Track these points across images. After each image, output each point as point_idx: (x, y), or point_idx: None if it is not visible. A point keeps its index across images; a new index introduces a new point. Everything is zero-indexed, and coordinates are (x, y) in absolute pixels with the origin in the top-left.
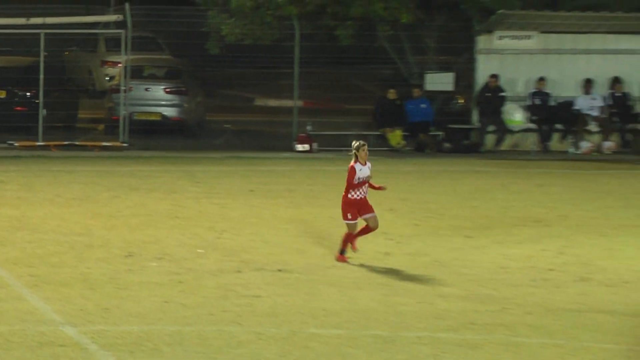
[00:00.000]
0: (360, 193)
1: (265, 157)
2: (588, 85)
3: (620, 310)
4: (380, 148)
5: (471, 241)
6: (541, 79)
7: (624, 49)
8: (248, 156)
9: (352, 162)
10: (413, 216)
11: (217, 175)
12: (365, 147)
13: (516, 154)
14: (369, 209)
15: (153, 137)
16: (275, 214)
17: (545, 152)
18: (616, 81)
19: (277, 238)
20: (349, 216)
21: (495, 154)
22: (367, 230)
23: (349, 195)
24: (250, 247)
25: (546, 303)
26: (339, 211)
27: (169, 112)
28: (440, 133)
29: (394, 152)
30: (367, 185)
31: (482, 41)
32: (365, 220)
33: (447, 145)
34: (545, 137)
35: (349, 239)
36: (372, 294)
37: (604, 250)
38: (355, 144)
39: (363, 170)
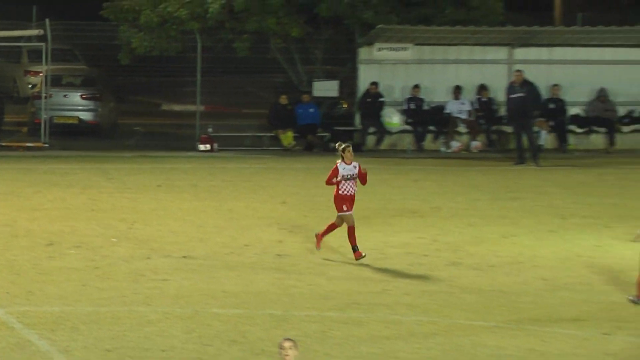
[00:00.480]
0: (349, 190)
1: (171, 156)
2: (457, 91)
3: (486, 291)
4: (274, 148)
5: (364, 226)
6: (416, 86)
7: (489, 59)
8: (156, 155)
9: (337, 162)
10: (303, 208)
11: (128, 173)
12: (350, 148)
13: (394, 153)
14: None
15: (71, 138)
16: (180, 207)
17: (420, 151)
18: (482, 88)
19: (182, 228)
20: (344, 208)
21: (375, 152)
22: (333, 227)
23: (340, 192)
24: (159, 237)
25: (422, 285)
26: (237, 204)
27: (85, 116)
28: (326, 134)
29: (286, 151)
30: (355, 182)
31: (363, 52)
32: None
33: (332, 145)
34: (419, 138)
35: (333, 230)
36: (266, 278)
37: (472, 237)
38: (339, 146)
39: (347, 169)
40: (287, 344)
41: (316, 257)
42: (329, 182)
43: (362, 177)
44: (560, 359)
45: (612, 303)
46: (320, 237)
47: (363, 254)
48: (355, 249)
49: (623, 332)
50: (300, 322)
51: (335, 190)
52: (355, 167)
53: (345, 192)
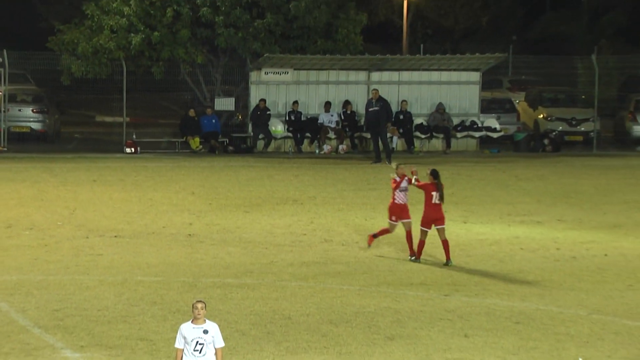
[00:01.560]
0: (402, 200)
1: (103, 157)
2: (327, 106)
3: (352, 262)
4: (184, 150)
5: (248, 215)
6: (295, 102)
7: (351, 81)
8: (91, 156)
9: (394, 176)
10: (207, 197)
11: (69, 170)
12: (402, 165)
13: (278, 154)
14: (408, 215)
15: (24, 143)
16: (111, 197)
17: (298, 153)
18: (347, 103)
19: (113, 214)
20: (393, 218)
21: (264, 154)
22: (385, 231)
23: (395, 201)
24: (94, 220)
25: (301, 258)
26: (156, 194)
27: (35, 125)
28: (225, 140)
29: (194, 153)
30: (407, 193)
31: (253, 75)
32: (403, 223)
33: (230, 148)
34: (298, 142)
35: (382, 232)
36: (180, 252)
37: (340, 220)
38: (394, 165)
39: (403, 183)
40: (199, 305)
41: (218, 236)
42: (395, 192)
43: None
44: (410, 315)
45: (450, 271)
46: (372, 237)
47: (412, 257)
48: (375, 235)
49: (459, 294)
50: (207, 287)
51: (390, 200)
52: (407, 180)
53: (399, 201)
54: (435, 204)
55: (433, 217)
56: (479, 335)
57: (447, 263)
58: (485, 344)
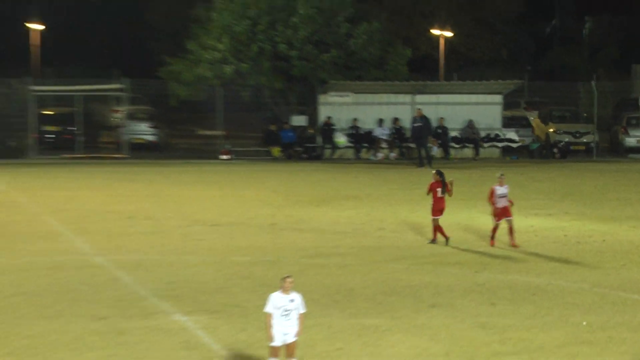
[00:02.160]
0: (502, 203)
1: (203, 163)
2: (380, 122)
3: (401, 246)
4: (267, 157)
5: (318, 208)
6: (355, 119)
7: (399, 102)
8: (194, 162)
9: (494, 186)
10: (286, 194)
11: (177, 173)
12: (504, 176)
13: (341, 161)
14: (509, 214)
15: (141, 152)
16: (210, 194)
17: (357, 159)
18: (396, 119)
19: (212, 207)
20: (496, 219)
21: (329, 160)
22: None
23: (496, 205)
24: (197, 212)
25: (360, 242)
26: (246, 192)
27: (150, 138)
28: (300, 149)
29: (275, 160)
30: (507, 198)
31: (321, 98)
32: (506, 221)
33: (304, 155)
34: (357, 151)
35: (494, 231)
36: (265, 237)
37: (391, 213)
38: (497, 174)
39: (501, 190)
40: (289, 279)
41: (295, 224)
42: (491, 200)
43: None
44: (447, 287)
45: (478, 253)
46: (492, 235)
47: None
48: (492, 237)
49: (486, 271)
50: (286, 265)
51: (493, 206)
52: (506, 187)
53: (499, 205)
54: (439, 197)
55: (439, 207)
56: (502, 304)
57: (435, 242)
58: (508, 311)
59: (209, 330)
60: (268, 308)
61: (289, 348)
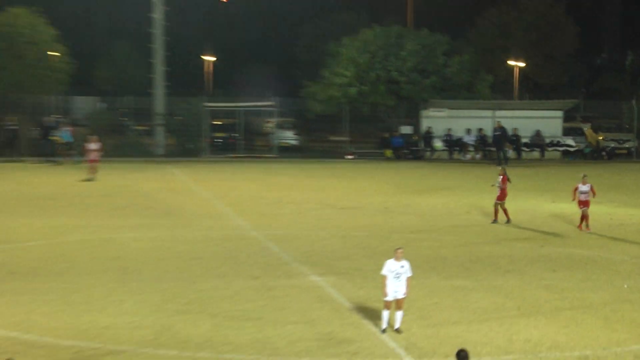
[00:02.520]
0: (584, 197)
1: (333, 161)
2: (468, 131)
3: (484, 225)
4: (381, 157)
5: (420, 196)
6: (449, 129)
7: (483, 116)
8: (326, 161)
9: (577, 184)
10: (396, 185)
11: (313, 169)
12: (586, 177)
13: (438, 160)
14: (587, 206)
15: (287, 153)
16: (337, 184)
17: (451, 160)
18: (480, 129)
19: (339, 194)
20: (581, 206)
21: (430, 161)
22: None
23: (579, 199)
24: (328, 198)
25: (452, 222)
26: (364, 183)
27: (293, 142)
28: (407, 151)
29: (387, 159)
30: (588, 194)
31: (424, 112)
32: (583, 211)
33: (410, 156)
34: (450, 153)
35: (583, 220)
36: (379, 218)
37: (476, 200)
38: (581, 175)
39: (583, 188)
40: (399, 250)
41: (403, 209)
42: (573, 194)
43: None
44: (519, 258)
45: (541, 231)
46: (582, 224)
47: (586, 229)
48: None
49: (549, 245)
50: (396, 239)
51: (576, 200)
52: (589, 186)
53: (582, 198)
54: (504, 187)
55: (504, 194)
56: (561, 271)
57: (496, 221)
58: (566, 276)
59: (336, 287)
60: (384, 271)
61: (399, 302)
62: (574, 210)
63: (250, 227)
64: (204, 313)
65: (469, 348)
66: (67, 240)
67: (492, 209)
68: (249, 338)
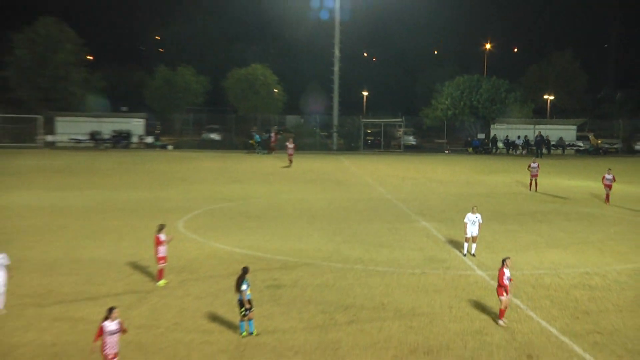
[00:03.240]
0: (607, 183)
1: (437, 154)
2: (518, 137)
3: (531, 194)
4: (467, 153)
5: (489, 175)
6: (507, 135)
7: (527, 128)
8: (432, 154)
9: (604, 174)
10: (473, 169)
11: (425, 159)
12: (611, 170)
13: (500, 154)
14: (610, 189)
15: (409, 149)
16: (439, 167)
17: (507, 154)
18: (526, 136)
19: (443, 171)
20: (606, 188)
21: (495, 154)
22: None
23: (605, 184)
24: (435, 175)
25: (511, 190)
26: (456, 167)
27: (413, 142)
28: (481, 149)
29: (470, 154)
30: (610, 181)
31: (492, 126)
32: (607, 191)
33: (483, 152)
34: (507, 150)
35: (607, 196)
36: (462, 190)
37: (522, 178)
38: (607, 168)
39: (608, 176)
40: (475, 207)
41: (479, 182)
42: (602, 181)
43: None
44: (545, 213)
45: (563, 198)
46: (607, 199)
47: None
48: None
49: (567, 205)
50: (474, 199)
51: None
52: (612, 175)
53: (606, 183)
54: (536, 173)
55: (535, 174)
56: (573, 221)
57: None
58: (575, 224)
59: (437, 229)
60: (465, 220)
61: (474, 238)
62: (584, 184)
63: (386, 192)
64: (358, 242)
65: (515, 266)
66: (279, 198)
67: (529, 183)
68: (384, 258)
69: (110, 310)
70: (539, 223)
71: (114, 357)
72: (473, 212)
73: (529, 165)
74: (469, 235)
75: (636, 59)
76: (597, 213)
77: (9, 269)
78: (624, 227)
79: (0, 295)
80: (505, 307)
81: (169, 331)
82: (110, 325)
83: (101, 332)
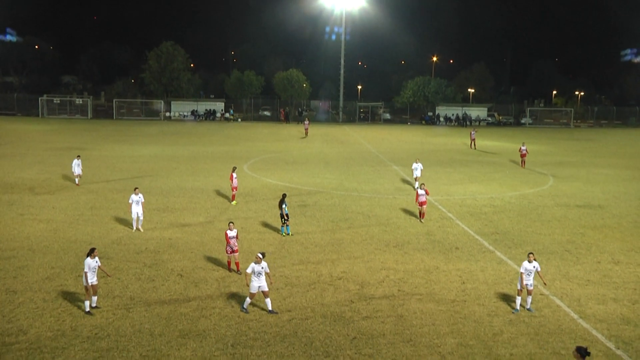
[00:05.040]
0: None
1: (398, 125)
2: (456, 115)
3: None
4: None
5: (437, 137)
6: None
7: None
8: (397, 124)
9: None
10: (426, 134)
11: (398, 127)
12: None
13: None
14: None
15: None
16: (402, 132)
17: (447, 125)
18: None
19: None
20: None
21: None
22: None
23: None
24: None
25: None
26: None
27: (388, 117)
28: (426, 121)
29: (426, 125)
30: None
31: (438, 107)
32: None
33: (423, 122)
34: (455, 123)
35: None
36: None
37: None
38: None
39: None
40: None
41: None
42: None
43: None
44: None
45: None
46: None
47: None
48: None
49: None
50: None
51: None
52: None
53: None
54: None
55: (473, 138)
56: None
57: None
58: (509, 174)
59: (402, 171)
60: (413, 167)
61: (417, 178)
62: (493, 143)
63: (371, 147)
64: (353, 178)
65: (449, 193)
66: (305, 151)
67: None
68: (370, 188)
69: (230, 223)
70: (464, 167)
71: (232, 252)
72: (416, 162)
73: (470, 133)
74: (415, 175)
75: (521, 68)
76: (499, 161)
77: (142, 204)
78: (514, 170)
79: (139, 221)
80: (423, 213)
81: (239, 232)
82: (231, 232)
83: (227, 238)
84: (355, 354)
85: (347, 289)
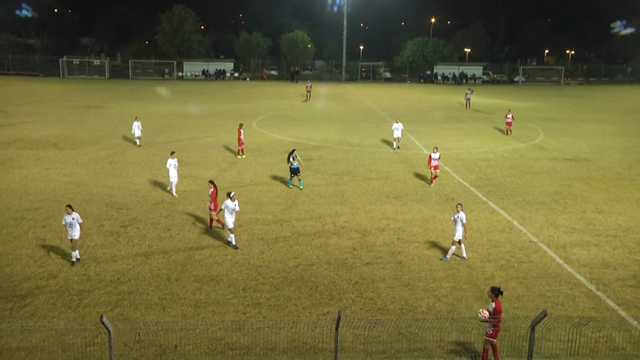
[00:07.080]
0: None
1: (401, 84)
2: (454, 74)
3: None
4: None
5: (428, 94)
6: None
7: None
8: (396, 83)
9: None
10: (422, 90)
11: (401, 85)
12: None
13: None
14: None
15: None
16: (404, 91)
17: (436, 83)
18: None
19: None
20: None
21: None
22: None
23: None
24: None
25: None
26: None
27: (388, 75)
28: (424, 79)
29: (420, 83)
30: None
31: (436, 66)
32: None
33: (422, 81)
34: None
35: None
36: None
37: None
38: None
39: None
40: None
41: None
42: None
43: None
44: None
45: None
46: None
47: None
48: None
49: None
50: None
51: None
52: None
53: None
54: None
55: (468, 97)
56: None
57: None
58: (490, 122)
59: (401, 124)
60: (393, 127)
61: (398, 139)
62: (487, 100)
63: (372, 105)
64: (356, 134)
65: (446, 148)
66: (311, 108)
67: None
68: (371, 142)
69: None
70: (460, 123)
71: (213, 210)
72: (397, 122)
73: (466, 92)
74: (394, 136)
75: (516, 28)
76: (491, 117)
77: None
78: (505, 126)
79: (174, 185)
80: (436, 177)
81: (248, 185)
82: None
83: (215, 200)
84: (357, 297)
85: (349, 237)
